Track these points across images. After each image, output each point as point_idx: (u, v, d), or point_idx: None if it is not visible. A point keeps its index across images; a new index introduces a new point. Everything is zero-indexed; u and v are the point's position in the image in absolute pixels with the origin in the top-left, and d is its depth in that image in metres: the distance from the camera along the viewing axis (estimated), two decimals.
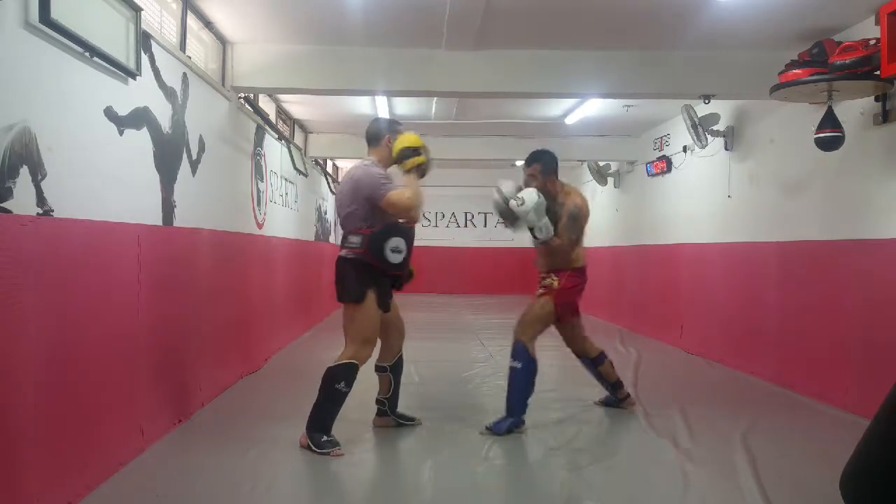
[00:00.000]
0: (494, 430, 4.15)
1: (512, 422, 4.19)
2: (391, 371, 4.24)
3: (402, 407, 4.41)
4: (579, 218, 4.47)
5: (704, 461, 3.74)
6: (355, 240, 3.89)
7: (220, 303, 5.21)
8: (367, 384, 4.53)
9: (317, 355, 7.11)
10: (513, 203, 4.34)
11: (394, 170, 4.08)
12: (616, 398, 4.85)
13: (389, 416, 4.30)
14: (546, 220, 4.33)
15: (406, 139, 3.97)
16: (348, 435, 4.12)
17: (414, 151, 3.94)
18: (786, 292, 5.82)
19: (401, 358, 4.30)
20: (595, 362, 4.77)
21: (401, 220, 3.93)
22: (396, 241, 3.87)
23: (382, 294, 3.98)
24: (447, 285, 15.25)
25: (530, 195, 4.31)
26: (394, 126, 4.18)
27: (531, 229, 4.38)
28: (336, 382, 3.83)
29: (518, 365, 4.25)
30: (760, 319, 6.18)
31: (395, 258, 3.89)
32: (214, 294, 5.06)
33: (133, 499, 3.19)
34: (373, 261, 3.87)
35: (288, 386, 5.56)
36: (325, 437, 3.81)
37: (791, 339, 5.69)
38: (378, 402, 4.32)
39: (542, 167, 4.50)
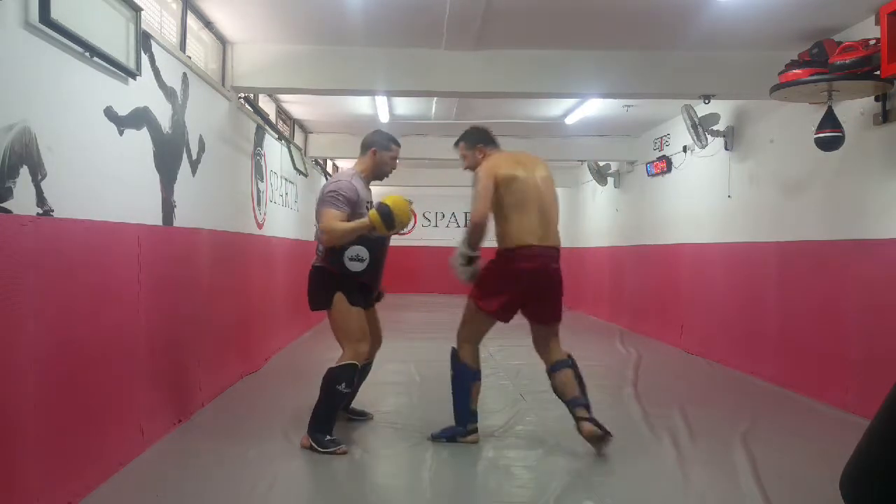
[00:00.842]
0: (436, 436, 4.00)
1: (454, 429, 3.98)
2: (362, 370, 4.23)
3: (403, 407, 4.40)
4: (477, 174, 3.92)
5: (704, 461, 3.74)
6: (320, 248, 4.00)
7: (220, 303, 5.21)
8: (367, 386, 4.53)
9: (317, 355, 7.11)
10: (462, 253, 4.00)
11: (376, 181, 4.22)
12: (573, 414, 3.87)
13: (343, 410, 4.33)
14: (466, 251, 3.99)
15: (392, 199, 3.77)
16: (348, 435, 4.12)
17: (382, 209, 3.72)
18: (786, 292, 5.82)
19: (369, 365, 4.32)
20: (550, 369, 4.01)
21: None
22: (356, 250, 3.85)
23: (360, 294, 3.96)
24: (447, 285, 15.23)
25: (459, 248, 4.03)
26: (386, 142, 4.14)
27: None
28: (336, 384, 3.84)
29: (452, 373, 4.00)
30: (760, 319, 6.18)
31: (355, 266, 3.87)
32: (214, 294, 5.06)
33: (133, 499, 3.18)
34: (332, 269, 3.91)
35: (288, 386, 5.56)
36: (328, 437, 3.82)
37: (791, 339, 5.70)
38: None
39: (466, 143, 4.14)
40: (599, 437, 3.76)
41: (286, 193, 8.08)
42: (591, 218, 12.10)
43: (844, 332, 4.99)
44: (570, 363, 3.99)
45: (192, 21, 4.84)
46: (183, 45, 4.67)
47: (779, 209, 5.99)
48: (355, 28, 5.06)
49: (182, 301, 4.40)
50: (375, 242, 3.91)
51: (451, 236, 16.49)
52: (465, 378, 3.97)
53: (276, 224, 7.41)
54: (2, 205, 2.54)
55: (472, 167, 4.08)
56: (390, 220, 3.70)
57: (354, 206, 3.90)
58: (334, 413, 3.89)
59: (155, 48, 3.96)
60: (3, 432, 2.55)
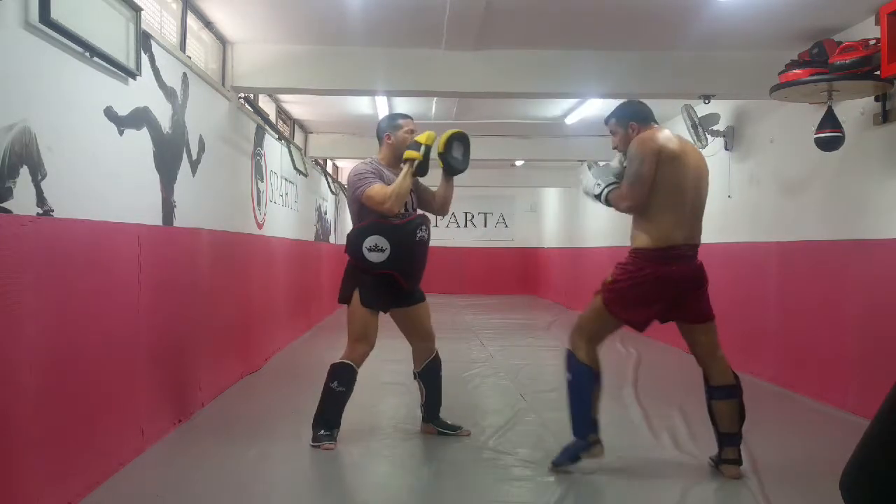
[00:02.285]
0: (557, 462, 3.56)
1: (575, 445, 3.53)
2: (419, 377, 4.18)
3: (403, 406, 4.40)
4: (635, 149, 3.38)
5: (704, 461, 3.74)
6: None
7: (220, 303, 5.21)
8: (367, 386, 4.53)
9: (317, 355, 7.11)
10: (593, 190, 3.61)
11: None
12: (719, 449, 3.58)
13: (430, 423, 4.20)
14: (605, 182, 3.53)
15: (422, 136, 3.87)
16: (349, 436, 4.12)
17: (416, 146, 3.85)
18: (786, 292, 5.82)
19: (431, 364, 4.15)
20: (711, 392, 3.60)
21: (388, 217, 3.83)
22: (375, 240, 3.79)
23: (376, 294, 3.88)
24: (447, 285, 15.25)
25: (589, 173, 3.63)
26: (393, 121, 4.06)
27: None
28: (330, 381, 3.87)
29: (568, 376, 3.56)
30: (760, 319, 6.18)
31: (375, 257, 3.80)
32: (214, 294, 5.06)
33: (133, 499, 3.19)
34: (354, 261, 3.87)
35: (288, 386, 5.56)
36: (321, 431, 3.85)
37: (791, 339, 5.70)
38: (420, 408, 4.27)
39: (617, 120, 3.62)
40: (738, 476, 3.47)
41: (286, 193, 8.08)
42: (591, 218, 12.09)
43: (844, 332, 4.99)
44: (737, 392, 3.57)
45: (192, 21, 4.85)
46: (183, 45, 4.67)
47: (779, 209, 5.99)
48: (355, 28, 5.06)
49: (182, 301, 4.40)
50: (399, 232, 3.82)
51: (452, 236, 16.56)
52: (584, 382, 3.50)
53: (276, 224, 7.41)
54: (2, 205, 2.54)
55: (622, 148, 3.58)
56: (417, 145, 3.75)
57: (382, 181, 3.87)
58: (331, 410, 3.89)
59: (155, 48, 3.97)
60: (2, 432, 2.55)
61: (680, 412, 4.72)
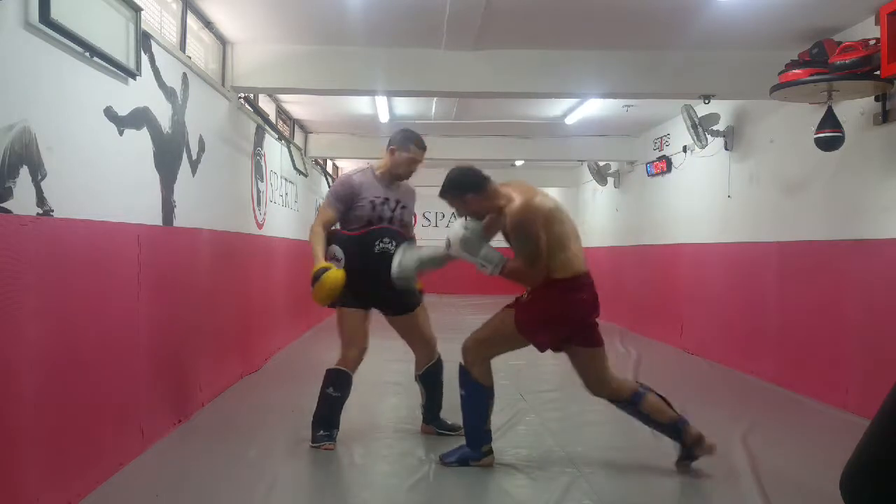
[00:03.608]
0: (446, 457, 3.67)
1: (466, 453, 3.64)
2: (420, 381, 4.20)
3: (403, 407, 4.40)
4: (525, 227, 3.38)
5: (704, 461, 3.74)
6: None
7: (220, 303, 5.21)
8: (367, 386, 4.53)
9: (317, 355, 7.10)
10: (450, 251, 3.61)
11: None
12: (682, 445, 3.59)
13: (429, 423, 4.21)
14: (485, 250, 3.52)
15: (333, 273, 3.75)
16: (349, 435, 4.12)
17: (317, 272, 3.74)
18: (786, 292, 5.82)
19: (433, 369, 4.16)
20: (631, 402, 3.61)
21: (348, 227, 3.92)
22: (333, 249, 3.91)
23: (353, 294, 3.87)
24: (447, 285, 15.24)
25: (453, 230, 3.59)
26: (405, 141, 4.00)
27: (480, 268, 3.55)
28: (326, 387, 3.93)
29: (462, 393, 3.63)
30: (760, 319, 6.18)
31: (335, 265, 3.83)
32: (214, 294, 5.06)
33: (133, 499, 3.18)
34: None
35: (288, 386, 5.56)
36: (321, 432, 3.89)
37: (791, 339, 5.70)
38: (420, 408, 4.30)
39: (454, 193, 3.54)
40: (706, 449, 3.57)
41: (286, 193, 8.08)
42: (591, 218, 12.10)
43: (844, 332, 4.99)
44: (648, 388, 3.64)
45: (192, 21, 4.84)
46: (183, 45, 4.67)
47: (779, 209, 5.99)
48: (355, 28, 5.06)
49: (182, 301, 4.40)
50: (353, 243, 3.88)
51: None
52: (479, 399, 3.60)
53: (276, 224, 7.41)
54: (2, 205, 2.54)
55: (470, 215, 3.57)
56: (315, 281, 3.73)
57: (350, 200, 3.92)
58: (328, 413, 3.92)
59: (155, 48, 3.96)
60: (2, 432, 2.55)
61: (680, 412, 4.71)
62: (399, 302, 4.03)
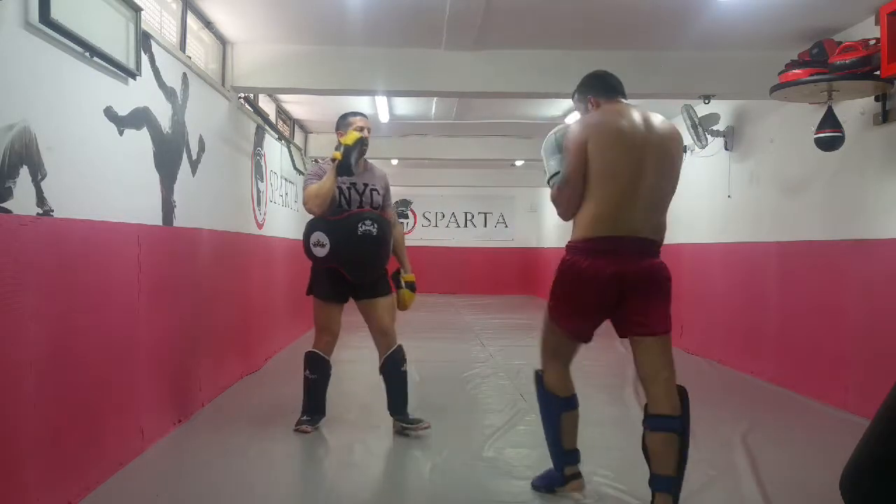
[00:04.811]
0: (536, 484, 3.28)
1: (551, 475, 3.21)
2: (381, 372, 4.25)
3: (409, 408, 4.34)
4: (566, 144, 2.91)
5: (704, 461, 3.74)
6: None
7: (220, 303, 5.21)
8: (367, 385, 4.53)
9: None
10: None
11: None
12: (652, 495, 2.87)
13: (392, 414, 4.25)
14: (553, 159, 3.01)
15: (347, 137, 4.02)
16: (349, 436, 4.13)
17: (339, 147, 4.02)
18: (786, 292, 5.82)
19: (389, 361, 4.18)
20: (647, 422, 2.93)
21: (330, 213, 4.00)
22: (318, 236, 4.01)
23: (328, 287, 4.10)
24: (447, 285, 15.24)
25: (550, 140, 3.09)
26: (343, 119, 4.21)
27: None
28: (304, 370, 4.20)
29: (539, 401, 3.23)
30: (760, 319, 6.18)
31: (319, 251, 4.01)
32: (214, 294, 5.06)
33: (133, 499, 3.19)
34: (306, 255, 4.12)
35: (288, 386, 5.55)
36: (303, 416, 4.19)
37: (791, 339, 5.70)
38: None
39: (578, 95, 3.18)
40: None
41: (286, 193, 8.08)
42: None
43: (844, 332, 4.99)
44: (680, 427, 2.85)
45: (192, 21, 4.84)
46: (183, 45, 4.67)
47: (779, 209, 5.99)
48: (355, 28, 5.06)
49: (182, 301, 4.40)
50: (336, 227, 3.97)
51: (452, 236, 16.57)
52: (554, 409, 3.11)
53: (276, 224, 7.41)
54: (2, 205, 2.54)
55: None
56: (340, 146, 3.96)
57: None
58: (309, 395, 4.21)
59: (155, 48, 3.96)
60: (2, 432, 2.55)
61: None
62: (368, 287, 4.14)
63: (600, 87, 3.09)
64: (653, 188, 2.87)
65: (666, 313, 2.91)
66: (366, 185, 4.12)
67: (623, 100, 3.06)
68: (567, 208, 2.91)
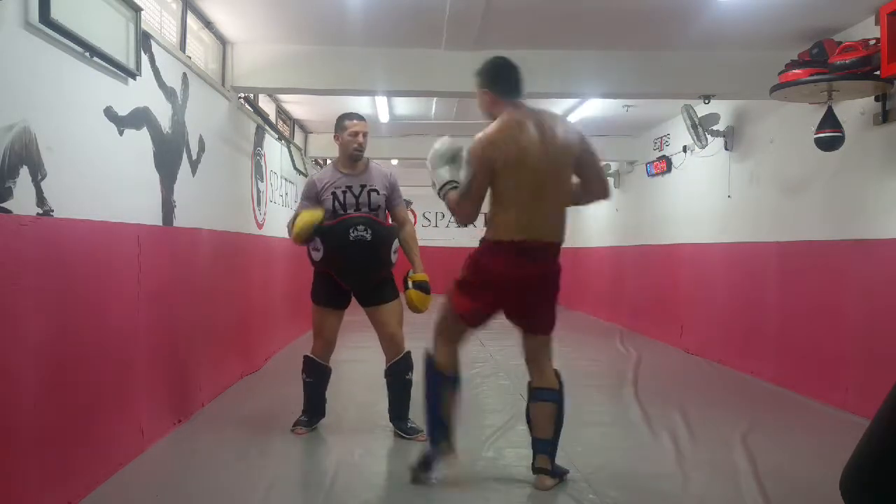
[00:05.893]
0: (414, 467, 3.40)
1: (429, 452, 3.36)
2: (385, 375, 4.18)
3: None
4: (471, 158, 3.12)
5: (704, 461, 3.74)
6: None
7: (220, 303, 5.21)
8: (367, 385, 4.52)
9: None
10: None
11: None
12: (534, 457, 3.35)
13: (391, 422, 4.18)
14: (443, 169, 3.22)
15: (308, 214, 3.97)
16: (349, 436, 4.13)
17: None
18: (785, 292, 5.82)
19: (394, 368, 4.10)
20: (531, 394, 3.34)
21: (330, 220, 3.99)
22: (315, 241, 4.00)
23: (323, 292, 4.12)
24: (447, 285, 15.22)
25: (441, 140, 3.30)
26: (339, 122, 4.18)
27: None
28: (301, 373, 4.23)
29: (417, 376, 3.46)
30: (760, 319, 6.18)
31: (315, 256, 4.03)
32: (214, 294, 5.06)
33: (133, 499, 3.18)
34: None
35: (288, 386, 5.54)
36: (300, 418, 4.22)
37: (791, 339, 5.70)
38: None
39: (478, 80, 3.32)
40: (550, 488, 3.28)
41: (286, 193, 8.08)
42: (590, 217, 12.10)
43: (844, 332, 4.99)
44: (558, 397, 3.28)
45: (192, 21, 4.84)
46: (183, 45, 4.67)
47: (779, 209, 5.99)
48: (355, 28, 5.06)
49: (182, 301, 4.40)
50: (329, 232, 3.95)
51: (452, 237, 16.53)
52: (438, 386, 3.32)
53: (276, 224, 7.40)
54: (2, 205, 2.54)
55: (483, 112, 3.33)
56: (290, 226, 4.01)
57: (314, 197, 4.08)
58: (306, 398, 4.24)
59: (155, 48, 3.96)
60: (2, 432, 2.55)
61: (680, 412, 4.72)
62: (372, 293, 4.10)
63: (498, 84, 3.25)
64: (555, 194, 3.17)
65: (553, 316, 3.32)
66: (363, 186, 4.06)
67: (520, 100, 3.24)
68: (467, 218, 3.20)
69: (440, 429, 3.30)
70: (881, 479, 1.69)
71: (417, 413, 4.22)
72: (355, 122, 4.11)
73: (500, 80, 3.26)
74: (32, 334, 2.72)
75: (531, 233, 3.12)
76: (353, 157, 4.10)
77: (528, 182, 3.10)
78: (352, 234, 3.93)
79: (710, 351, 7.08)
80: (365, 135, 4.11)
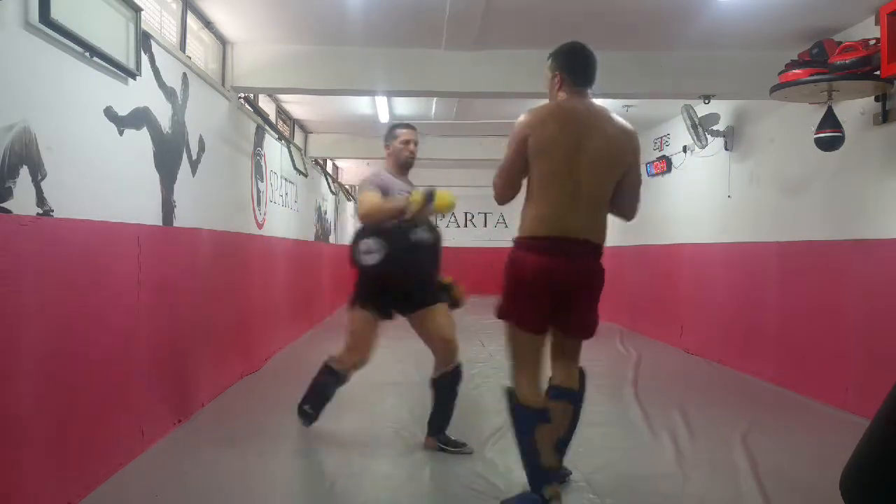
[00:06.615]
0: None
1: (528, 497, 3.01)
2: (433, 386, 4.01)
3: (403, 407, 4.37)
4: (512, 134, 3.04)
5: (704, 461, 3.74)
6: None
7: (220, 303, 5.21)
8: (367, 386, 4.50)
9: (317, 355, 7.07)
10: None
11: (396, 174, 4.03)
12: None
13: (433, 436, 3.97)
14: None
15: (441, 197, 3.71)
16: (349, 436, 4.12)
17: (427, 189, 3.72)
18: (785, 292, 5.82)
19: (448, 376, 3.92)
20: (551, 391, 3.13)
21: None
22: (368, 243, 3.77)
23: (373, 299, 3.86)
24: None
25: None
26: (390, 132, 4.07)
27: None
28: (319, 377, 4.11)
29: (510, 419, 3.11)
30: (760, 319, 6.18)
31: (369, 259, 3.76)
32: (214, 294, 5.06)
33: (133, 499, 3.19)
34: (353, 264, 3.85)
35: (288, 386, 5.54)
36: (306, 405, 4.17)
37: (791, 339, 5.70)
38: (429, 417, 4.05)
39: (551, 61, 3.23)
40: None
41: (286, 193, 8.08)
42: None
43: (844, 332, 4.99)
44: (578, 399, 3.14)
45: (192, 21, 4.84)
46: (183, 45, 4.67)
47: (779, 209, 5.99)
48: (355, 28, 5.06)
49: (182, 301, 4.40)
50: (391, 233, 3.76)
51: (452, 237, 16.53)
52: (524, 423, 3.00)
53: (276, 224, 7.41)
54: (2, 205, 2.54)
55: (550, 99, 3.21)
56: (430, 198, 3.62)
57: (385, 192, 3.83)
58: (314, 402, 4.15)
59: (155, 48, 3.96)
60: (2, 432, 2.55)
61: (680, 412, 4.72)
62: (425, 296, 3.90)
63: (572, 70, 3.12)
64: (593, 194, 2.97)
65: (593, 319, 3.15)
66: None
67: (588, 90, 3.10)
68: (499, 194, 3.11)
69: (540, 475, 2.97)
70: (881, 479, 1.69)
71: (417, 405, 4.22)
72: (406, 130, 4.03)
73: (576, 66, 3.12)
74: (32, 334, 2.72)
75: (562, 230, 2.94)
76: (405, 165, 4.01)
77: (561, 174, 2.91)
78: (414, 236, 3.82)
79: (710, 351, 7.08)
80: (416, 143, 4.04)
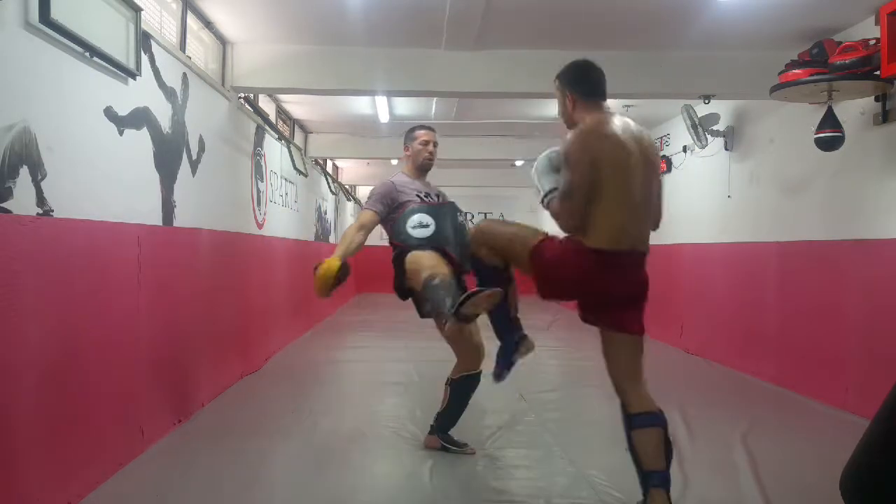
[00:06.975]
0: (497, 374, 3.43)
1: (503, 350, 3.39)
2: (450, 385, 3.92)
3: (403, 407, 4.37)
4: (570, 153, 2.83)
5: (704, 461, 3.74)
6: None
7: (220, 303, 5.21)
8: (367, 386, 4.51)
9: (316, 356, 7.11)
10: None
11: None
12: (644, 492, 2.89)
13: (436, 434, 3.94)
14: (546, 177, 3.06)
15: (327, 263, 3.59)
16: (349, 436, 4.12)
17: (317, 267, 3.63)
18: (785, 292, 5.82)
19: (469, 379, 3.87)
20: (630, 421, 3.01)
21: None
22: (420, 217, 3.72)
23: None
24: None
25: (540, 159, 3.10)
26: (410, 133, 4.04)
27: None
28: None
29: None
30: (760, 319, 6.18)
31: (420, 233, 3.69)
32: (214, 294, 5.06)
33: (133, 499, 3.18)
34: (400, 245, 3.73)
35: (288, 386, 5.56)
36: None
37: (791, 339, 5.69)
38: (435, 415, 3.99)
39: (559, 82, 3.12)
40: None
41: (286, 193, 8.08)
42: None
43: (844, 332, 4.99)
44: (663, 421, 2.94)
45: (192, 21, 4.85)
46: (183, 45, 4.67)
47: (779, 209, 5.99)
48: (355, 28, 5.06)
49: (182, 301, 4.40)
50: (439, 210, 3.80)
51: None
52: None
53: (276, 224, 7.41)
54: (2, 205, 2.54)
55: (562, 117, 3.09)
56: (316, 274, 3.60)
57: (390, 200, 3.81)
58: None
59: (155, 48, 3.97)
60: (2, 432, 2.55)
61: (680, 412, 4.71)
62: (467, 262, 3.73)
63: (582, 86, 3.06)
64: (647, 201, 2.99)
65: (642, 312, 3.15)
66: (438, 195, 3.98)
67: (603, 103, 3.06)
68: (569, 220, 2.89)
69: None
70: (881, 479, 1.69)
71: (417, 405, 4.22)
72: (425, 131, 4.01)
73: (585, 81, 3.08)
74: (32, 334, 2.72)
75: (627, 242, 2.93)
76: (424, 167, 3.98)
77: (631, 184, 2.86)
78: (458, 218, 3.83)
79: (710, 351, 7.08)
80: (435, 144, 4.01)
